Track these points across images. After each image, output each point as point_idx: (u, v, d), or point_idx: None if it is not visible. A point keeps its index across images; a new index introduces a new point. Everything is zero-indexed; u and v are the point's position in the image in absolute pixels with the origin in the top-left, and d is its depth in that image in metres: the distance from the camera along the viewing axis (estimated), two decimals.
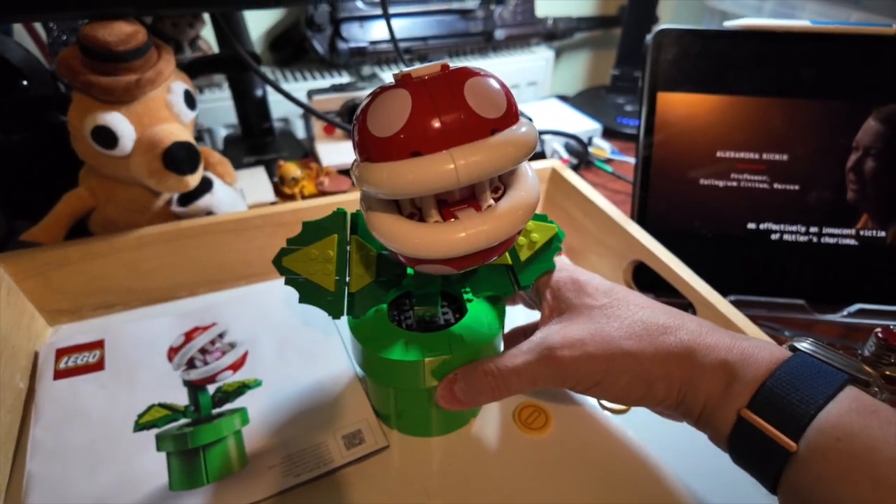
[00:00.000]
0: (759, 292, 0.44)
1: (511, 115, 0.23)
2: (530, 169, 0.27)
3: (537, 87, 0.87)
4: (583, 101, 0.82)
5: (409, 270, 0.33)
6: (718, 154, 0.45)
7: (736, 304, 0.42)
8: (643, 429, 0.36)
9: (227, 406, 0.37)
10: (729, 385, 0.24)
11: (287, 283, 0.30)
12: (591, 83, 0.97)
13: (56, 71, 0.39)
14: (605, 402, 0.37)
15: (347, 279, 0.30)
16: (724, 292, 0.38)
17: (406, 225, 0.24)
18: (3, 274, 0.39)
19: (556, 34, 0.87)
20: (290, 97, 0.51)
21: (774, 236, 0.45)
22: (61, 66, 0.39)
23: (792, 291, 0.44)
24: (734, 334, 0.26)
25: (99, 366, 0.39)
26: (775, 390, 0.22)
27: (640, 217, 0.46)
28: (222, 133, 0.73)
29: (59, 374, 0.38)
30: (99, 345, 0.40)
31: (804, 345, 0.26)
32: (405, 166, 0.22)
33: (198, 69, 0.46)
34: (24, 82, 0.47)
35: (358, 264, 0.31)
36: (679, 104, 0.45)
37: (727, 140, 0.44)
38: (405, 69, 0.24)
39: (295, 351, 0.41)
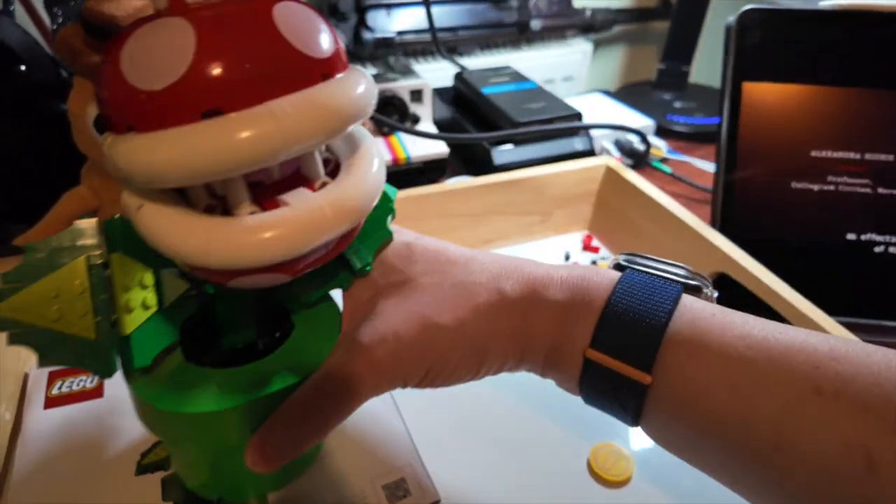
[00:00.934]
0: (859, 313, 0.38)
1: (340, 55, 0.18)
2: (365, 132, 0.21)
3: (573, 81, 0.81)
4: (626, 96, 0.76)
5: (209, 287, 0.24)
6: (813, 154, 0.39)
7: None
8: None
9: None
10: (565, 327, 0.22)
11: (12, 341, 0.19)
12: (629, 79, 0.91)
13: (56, 53, 0.34)
14: None
15: (114, 317, 0.20)
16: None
17: (203, 224, 0.17)
18: None
19: (593, 26, 0.81)
20: None
21: (878, 248, 0.39)
22: (61, 45, 0.33)
23: None
24: (554, 267, 0.24)
25: (97, 392, 0.34)
26: (614, 321, 0.21)
27: (723, 224, 0.40)
28: None
29: (50, 402, 0.33)
30: None
31: (633, 260, 0.24)
32: (196, 134, 0.15)
33: None
34: (22, 67, 0.41)
35: (127, 291, 0.21)
36: (768, 96, 0.39)
37: (823, 138, 0.38)
38: None
39: None
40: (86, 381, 0.34)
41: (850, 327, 0.38)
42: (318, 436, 0.22)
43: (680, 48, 0.73)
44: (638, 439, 0.32)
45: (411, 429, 0.32)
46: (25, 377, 0.34)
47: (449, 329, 0.22)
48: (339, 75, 0.17)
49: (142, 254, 0.20)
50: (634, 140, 0.59)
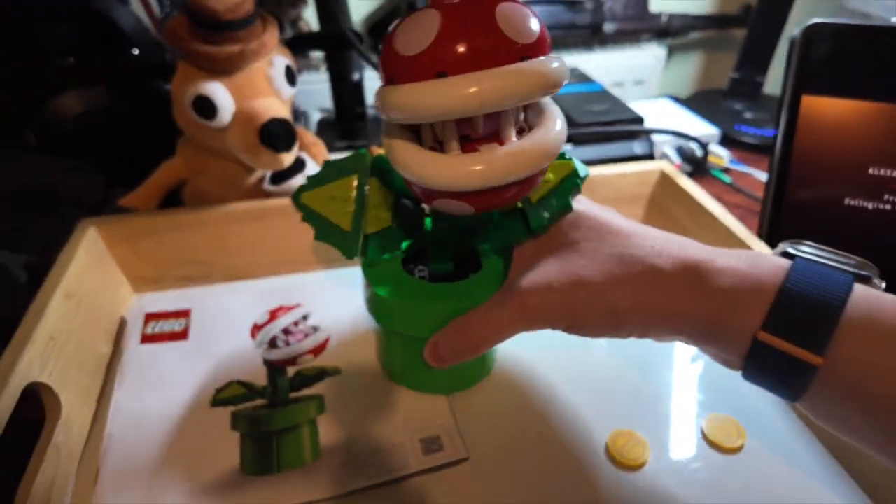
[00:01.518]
0: None
1: (543, 43, 0.23)
2: (557, 110, 0.26)
3: (644, 86, 0.81)
4: (695, 104, 0.75)
5: (428, 222, 0.33)
6: (870, 171, 0.38)
7: None
8: (757, 469, 0.31)
9: (305, 391, 0.35)
10: (731, 310, 0.23)
11: (304, 219, 0.30)
12: (703, 86, 0.90)
13: (164, 39, 0.39)
14: (710, 438, 0.33)
15: (363, 220, 0.30)
16: None
17: (424, 154, 0.24)
18: (96, 238, 0.39)
19: (669, 31, 0.81)
20: None
21: None
22: (169, 33, 0.38)
23: None
24: (720, 253, 0.25)
25: (183, 335, 0.39)
26: (788, 306, 0.22)
27: (770, 235, 0.40)
28: (317, 116, 0.73)
29: (145, 339, 0.38)
30: (185, 314, 0.40)
31: (800, 248, 0.25)
32: (428, 87, 0.22)
33: (300, 45, 0.45)
34: (135, 51, 0.47)
35: (375, 206, 0.31)
36: (827, 110, 0.39)
37: (883, 155, 0.38)
38: None
39: (377, 342, 0.39)
40: (175, 325, 0.39)
41: None
42: (476, 351, 0.28)
43: (755, 57, 0.72)
44: (654, 428, 0.33)
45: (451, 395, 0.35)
46: (121, 320, 0.40)
47: (594, 291, 0.25)
48: (536, 58, 0.22)
49: (389, 184, 0.31)
50: (696, 147, 0.59)
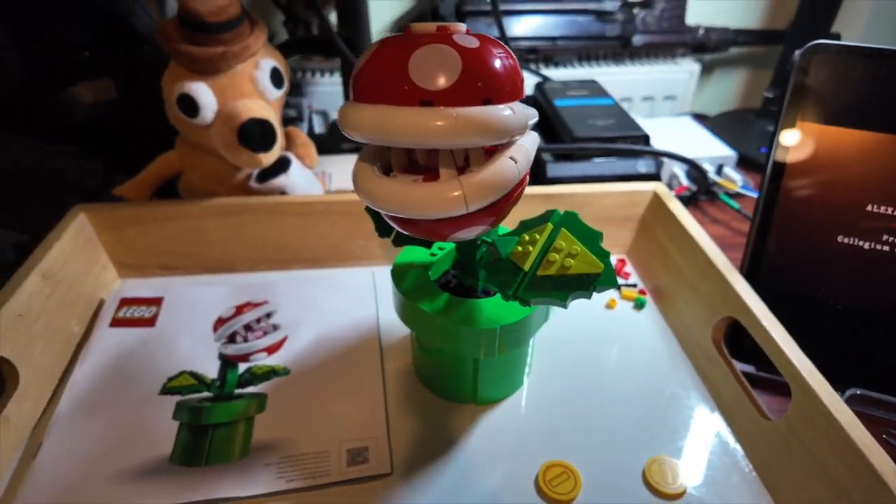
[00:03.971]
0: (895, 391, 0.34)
1: (461, 92, 0.21)
2: (512, 160, 0.23)
3: (675, 102, 0.77)
4: (724, 123, 0.72)
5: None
6: (869, 208, 0.35)
7: (856, 400, 0.33)
8: None
9: (251, 388, 0.36)
10: None
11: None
12: (741, 105, 0.85)
13: (157, 39, 0.40)
14: (654, 485, 0.31)
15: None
16: (842, 382, 0.29)
17: (370, 176, 0.23)
18: (85, 223, 0.42)
19: (707, 46, 0.77)
20: None
21: None
22: (160, 33, 0.40)
23: None
24: None
25: (151, 322, 0.40)
26: None
27: (752, 268, 0.38)
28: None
29: (115, 322, 0.40)
30: (157, 301, 0.42)
31: None
32: (346, 106, 0.22)
33: (292, 49, 0.46)
34: (147, 48, 0.50)
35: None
36: (825, 139, 0.36)
37: (885, 192, 0.35)
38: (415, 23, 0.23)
39: (331, 346, 0.39)
40: (145, 311, 0.41)
41: (875, 404, 0.34)
42: None
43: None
44: (588, 461, 0.32)
45: (390, 407, 0.35)
46: (101, 302, 0.42)
47: None
48: (442, 106, 0.21)
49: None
50: (710, 170, 0.56)
